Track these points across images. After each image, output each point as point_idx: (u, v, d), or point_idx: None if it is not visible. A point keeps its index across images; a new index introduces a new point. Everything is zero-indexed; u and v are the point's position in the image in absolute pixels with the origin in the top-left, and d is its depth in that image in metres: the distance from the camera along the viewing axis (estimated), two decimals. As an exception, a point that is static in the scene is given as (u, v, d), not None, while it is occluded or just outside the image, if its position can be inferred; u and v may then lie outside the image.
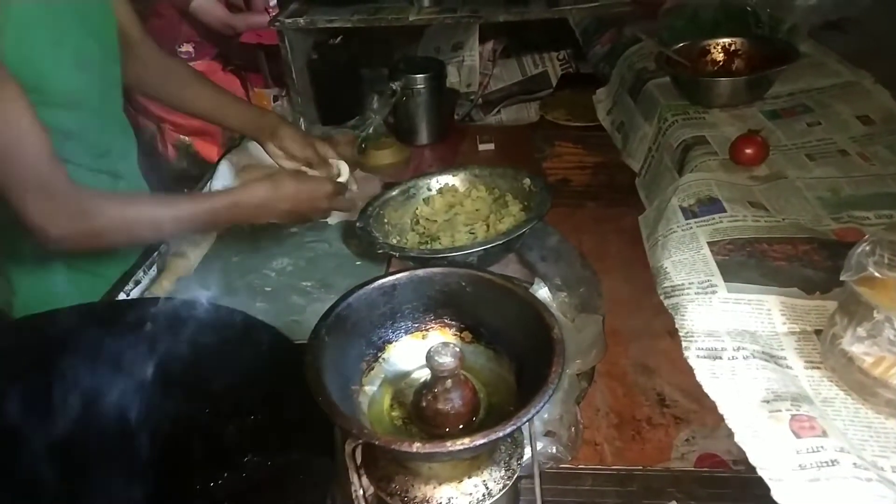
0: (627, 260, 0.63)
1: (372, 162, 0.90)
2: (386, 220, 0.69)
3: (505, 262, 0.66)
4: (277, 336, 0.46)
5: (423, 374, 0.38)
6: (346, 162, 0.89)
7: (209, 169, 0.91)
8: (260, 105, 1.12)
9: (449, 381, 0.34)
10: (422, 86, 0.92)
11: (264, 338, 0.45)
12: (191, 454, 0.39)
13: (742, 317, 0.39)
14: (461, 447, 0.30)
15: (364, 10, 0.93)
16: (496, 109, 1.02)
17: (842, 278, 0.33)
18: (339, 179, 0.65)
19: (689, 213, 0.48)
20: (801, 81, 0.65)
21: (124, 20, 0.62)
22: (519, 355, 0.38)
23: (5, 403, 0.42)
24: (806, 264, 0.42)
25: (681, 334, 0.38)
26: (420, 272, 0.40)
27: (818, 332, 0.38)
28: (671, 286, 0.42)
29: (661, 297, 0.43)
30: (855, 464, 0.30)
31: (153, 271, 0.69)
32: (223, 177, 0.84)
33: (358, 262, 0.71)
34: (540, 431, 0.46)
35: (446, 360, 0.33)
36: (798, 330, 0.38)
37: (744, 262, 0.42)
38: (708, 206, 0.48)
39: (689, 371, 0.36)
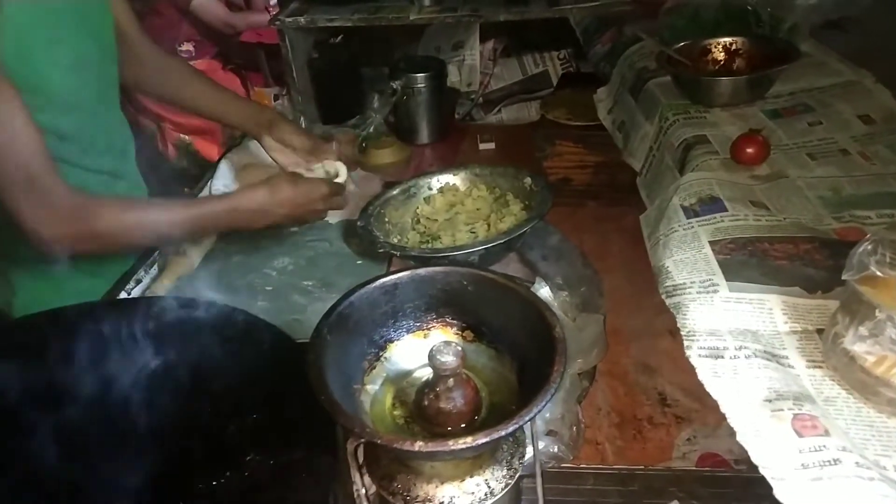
0: (628, 259, 0.63)
1: (372, 161, 0.90)
2: (387, 220, 0.69)
3: (506, 261, 0.66)
4: (279, 335, 0.46)
5: (425, 373, 0.38)
6: (347, 161, 0.89)
7: (209, 168, 0.91)
8: (260, 103, 1.11)
9: (451, 379, 0.34)
10: (422, 85, 0.91)
11: (266, 337, 0.45)
12: (192, 453, 0.39)
13: (744, 316, 0.39)
14: (463, 446, 0.30)
15: (365, 9, 0.93)
16: (497, 109, 1.02)
17: (843, 277, 0.33)
18: (337, 180, 0.65)
19: (690, 213, 0.48)
20: (802, 81, 0.65)
21: (122, 19, 0.62)
22: (521, 354, 0.38)
23: (6, 403, 0.42)
24: (807, 263, 0.42)
25: (682, 333, 0.38)
26: (422, 271, 0.40)
27: (820, 332, 0.38)
28: (673, 285, 0.42)
29: (663, 297, 0.43)
30: (857, 463, 0.30)
31: (154, 270, 0.69)
32: (223, 176, 0.84)
33: (359, 262, 0.71)
34: (542, 431, 0.46)
35: (448, 359, 0.33)
36: (800, 329, 0.38)
37: (745, 262, 0.42)
38: (709, 205, 0.48)
39: (691, 370, 0.36)
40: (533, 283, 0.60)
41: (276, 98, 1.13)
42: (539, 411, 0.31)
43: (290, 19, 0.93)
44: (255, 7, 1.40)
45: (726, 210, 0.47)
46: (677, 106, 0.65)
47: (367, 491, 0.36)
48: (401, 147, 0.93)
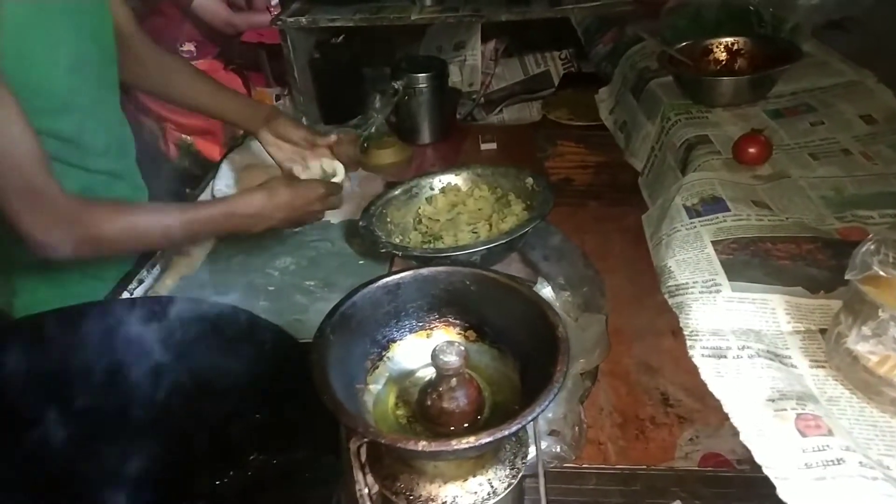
0: (630, 259, 0.63)
1: (374, 161, 0.90)
2: (389, 220, 0.69)
3: (508, 261, 0.66)
4: (282, 335, 0.46)
5: (428, 373, 0.38)
6: (349, 161, 0.89)
7: (211, 168, 0.91)
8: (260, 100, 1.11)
9: (454, 379, 0.34)
10: (424, 85, 0.91)
11: (268, 336, 0.45)
12: (196, 453, 0.39)
13: (746, 316, 0.39)
14: (466, 446, 0.30)
15: (366, 9, 0.93)
16: (498, 109, 1.02)
17: (846, 277, 0.33)
18: (335, 179, 0.65)
19: (692, 212, 0.48)
20: (804, 81, 0.65)
21: (119, 17, 0.62)
22: (523, 354, 0.38)
23: (10, 402, 0.42)
24: (810, 263, 0.42)
25: (685, 333, 0.38)
26: (424, 271, 0.40)
27: (823, 331, 0.37)
28: (675, 285, 0.42)
29: (665, 296, 0.43)
30: (861, 462, 0.30)
31: (157, 270, 0.69)
32: (225, 177, 0.84)
33: (361, 262, 0.71)
34: (544, 431, 0.46)
35: (451, 359, 0.33)
36: (803, 329, 0.38)
37: (748, 262, 0.42)
38: (711, 205, 0.48)
39: (693, 370, 0.36)
40: (535, 283, 0.60)
41: (277, 98, 1.13)
42: (542, 411, 0.31)
43: (291, 19, 0.93)
44: (257, 7, 1.40)
45: (728, 210, 0.47)
46: (679, 106, 0.65)
47: (369, 490, 0.36)
48: (402, 147, 0.93)
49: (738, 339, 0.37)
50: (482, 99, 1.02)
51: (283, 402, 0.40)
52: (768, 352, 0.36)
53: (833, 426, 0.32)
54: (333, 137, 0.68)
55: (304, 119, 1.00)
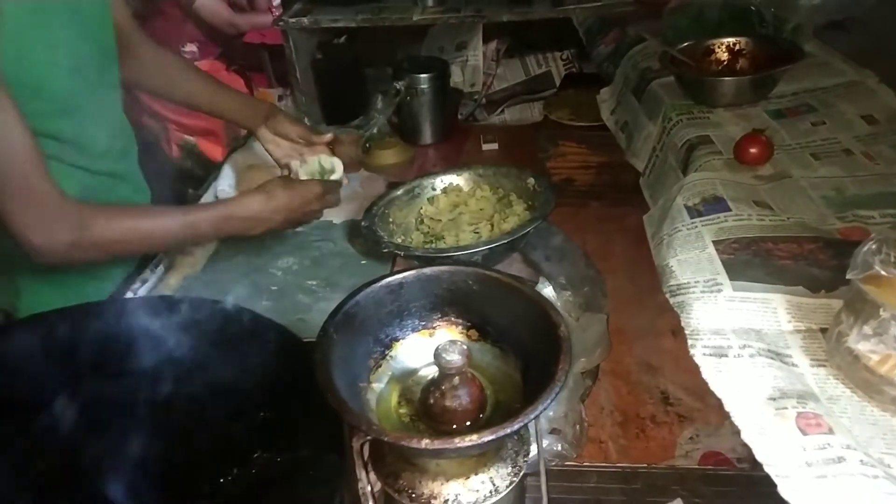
0: (631, 259, 0.63)
1: (376, 161, 0.91)
2: (391, 220, 0.70)
3: (509, 261, 0.66)
4: (285, 334, 0.46)
5: (431, 372, 0.38)
6: (350, 161, 0.89)
7: (214, 169, 0.91)
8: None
9: (456, 378, 0.34)
10: (425, 85, 0.92)
11: (272, 336, 0.46)
12: (200, 451, 0.40)
13: (748, 315, 0.39)
14: (469, 444, 0.30)
15: (368, 10, 0.93)
16: (500, 109, 1.02)
17: (848, 276, 0.34)
18: (334, 176, 0.65)
19: (694, 212, 0.49)
20: (806, 81, 0.65)
21: (118, 16, 0.61)
22: (525, 353, 0.38)
23: (14, 401, 0.42)
24: (811, 263, 0.42)
25: (686, 332, 0.38)
26: (427, 270, 0.40)
27: (823, 331, 0.38)
28: (677, 284, 0.43)
29: (667, 296, 0.43)
30: (861, 461, 0.30)
31: (160, 270, 0.69)
32: (228, 177, 0.84)
33: (363, 261, 0.71)
34: (545, 429, 0.47)
35: (454, 358, 0.33)
36: (804, 328, 0.38)
37: (749, 261, 0.43)
38: (713, 205, 0.48)
39: (693, 369, 0.36)
40: (536, 283, 0.61)
41: (279, 99, 1.14)
42: (544, 409, 0.32)
43: (293, 20, 0.94)
44: (259, 8, 1.40)
45: (730, 210, 0.48)
46: (681, 106, 0.65)
47: (372, 488, 0.36)
48: (404, 147, 0.93)
49: (739, 339, 0.37)
50: (484, 99, 1.02)
51: (287, 400, 0.41)
52: (769, 351, 0.36)
53: (834, 425, 0.32)
54: (329, 136, 0.68)
55: (306, 119, 1.01)
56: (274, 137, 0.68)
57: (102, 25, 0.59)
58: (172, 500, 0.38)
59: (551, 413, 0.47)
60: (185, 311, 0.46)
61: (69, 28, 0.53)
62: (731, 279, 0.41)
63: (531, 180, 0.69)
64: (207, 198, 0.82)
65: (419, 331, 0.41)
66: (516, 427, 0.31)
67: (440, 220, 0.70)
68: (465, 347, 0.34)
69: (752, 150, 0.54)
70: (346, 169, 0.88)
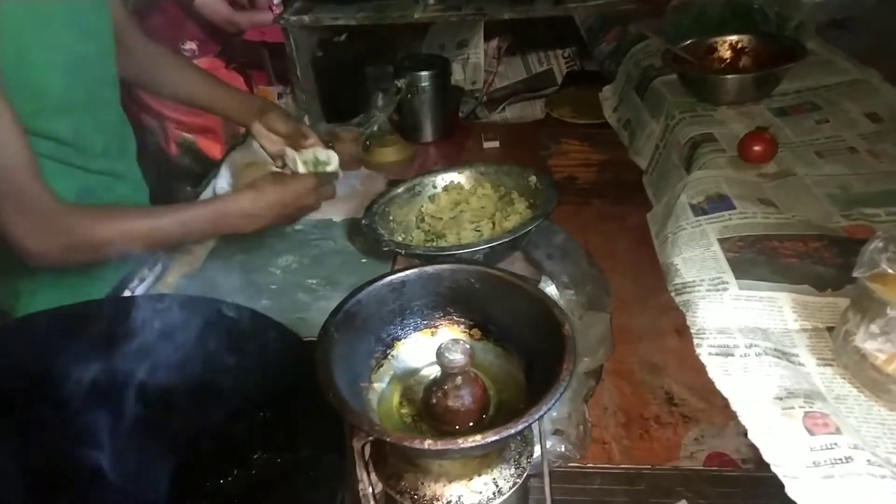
0: (634, 258, 0.63)
1: (377, 159, 0.90)
2: (391, 218, 0.69)
3: (511, 259, 0.66)
4: (286, 333, 0.45)
5: (433, 371, 0.38)
6: (351, 159, 0.88)
7: (212, 167, 0.91)
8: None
9: (459, 378, 0.34)
10: (426, 83, 0.91)
11: (272, 334, 0.45)
12: (200, 451, 0.39)
13: (754, 314, 0.38)
14: (473, 444, 0.30)
15: (369, 8, 0.93)
16: (501, 107, 1.02)
17: (854, 275, 0.33)
18: (329, 168, 0.64)
19: (698, 210, 0.48)
20: (809, 79, 0.65)
21: (115, 12, 0.61)
22: (529, 352, 0.37)
23: (11, 402, 0.42)
24: (817, 261, 0.42)
25: (692, 331, 0.38)
26: (429, 269, 0.40)
27: (830, 329, 0.37)
28: (682, 283, 0.42)
29: (672, 294, 0.43)
30: (869, 461, 0.30)
31: (158, 268, 0.69)
32: (227, 175, 0.84)
33: (363, 260, 0.71)
34: (548, 430, 0.46)
35: (457, 357, 0.33)
36: (810, 327, 0.38)
37: (755, 260, 0.42)
38: (717, 203, 0.48)
39: (698, 369, 0.36)
40: (538, 281, 0.60)
41: (279, 97, 1.13)
42: (549, 409, 0.31)
43: (294, 18, 0.93)
44: (259, 5, 1.39)
45: (734, 208, 0.47)
46: (683, 104, 0.64)
47: (373, 489, 0.35)
48: (405, 145, 0.92)
49: (745, 338, 0.37)
50: (485, 97, 1.02)
51: (287, 400, 0.40)
52: (776, 350, 0.36)
53: (841, 424, 0.31)
54: (313, 139, 0.67)
55: (306, 118, 1.00)
56: (268, 133, 0.67)
57: (101, 24, 0.58)
58: (172, 501, 0.38)
59: (555, 414, 0.47)
60: (183, 311, 0.45)
61: (68, 28, 0.53)
62: (736, 278, 0.41)
63: (533, 178, 0.69)
64: (206, 196, 0.82)
65: (421, 330, 0.40)
66: (520, 427, 0.30)
67: (441, 219, 0.70)
68: (467, 346, 0.33)
69: (756, 148, 0.53)
70: (347, 167, 0.87)
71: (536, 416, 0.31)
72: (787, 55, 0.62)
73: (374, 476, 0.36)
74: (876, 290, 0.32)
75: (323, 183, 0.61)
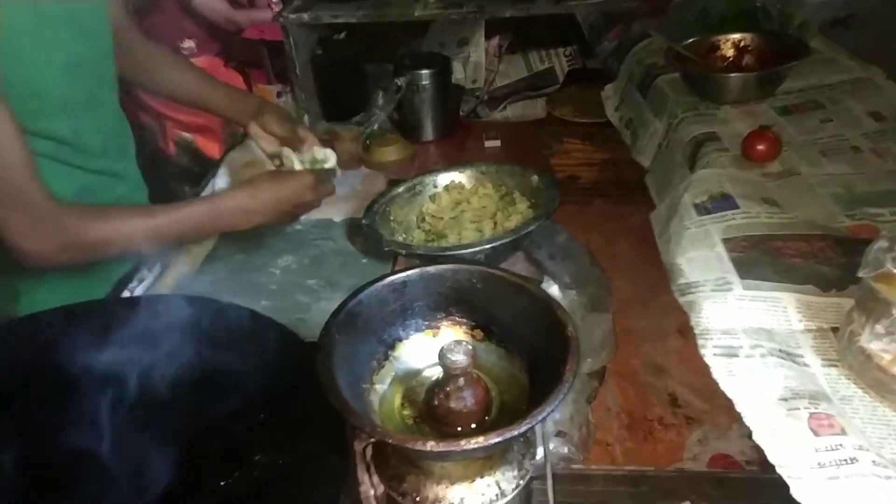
0: (636, 258, 0.62)
1: (377, 159, 0.90)
2: (392, 218, 0.69)
3: (513, 260, 0.66)
4: (286, 334, 0.45)
5: (435, 373, 0.37)
6: (351, 158, 0.88)
7: (211, 166, 0.91)
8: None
9: (461, 379, 0.34)
10: (427, 82, 0.91)
11: (273, 335, 0.45)
12: (202, 452, 0.39)
13: (758, 314, 0.38)
14: (476, 446, 0.30)
15: (369, 6, 0.92)
16: (502, 106, 1.01)
17: (859, 275, 0.33)
18: (327, 166, 0.64)
19: (702, 210, 0.48)
20: (812, 77, 0.65)
21: (112, 9, 0.60)
22: (531, 353, 0.37)
23: (12, 402, 0.42)
24: (821, 261, 0.42)
25: (696, 332, 0.38)
26: (431, 269, 0.39)
27: (835, 330, 0.37)
28: (686, 283, 0.42)
29: (676, 295, 0.42)
30: (874, 462, 0.29)
31: (157, 269, 0.69)
32: (226, 175, 0.83)
33: (364, 260, 0.70)
34: (551, 431, 0.46)
35: (459, 358, 0.33)
36: (814, 327, 0.38)
37: (758, 260, 0.42)
38: (721, 202, 0.48)
39: (701, 371, 0.36)
40: (541, 281, 0.60)
41: (279, 95, 1.13)
42: (552, 410, 0.31)
43: (293, 16, 0.93)
44: (258, 4, 1.39)
45: (738, 208, 0.47)
46: (686, 102, 0.64)
47: (375, 491, 0.35)
48: (405, 145, 0.92)
49: (749, 338, 0.36)
50: (486, 96, 1.01)
51: (288, 401, 0.40)
52: (780, 350, 0.36)
53: (846, 425, 0.31)
54: (310, 140, 0.67)
55: (305, 116, 1.00)
56: (265, 134, 0.67)
57: (100, 24, 0.58)
58: (173, 501, 0.37)
59: (557, 415, 0.46)
60: (183, 311, 0.45)
61: (66, 27, 0.53)
62: (740, 278, 0.41)
63: (535, 178, 0.68)
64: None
65: (423, 330, 0.40)
66: (523, 429, 0.30)
67: (442, 218, 0.69)
68: (470, 347, 0.33)
69: (760, 147, 0.53)
70: (347, 166, 0.87)
71: (539, 418, 0.30)
72: (791, 53, 0.62)
73: (375, 478, 0.35)
74: (881, 289, 0.32)
75: (321, 180, 0.61)
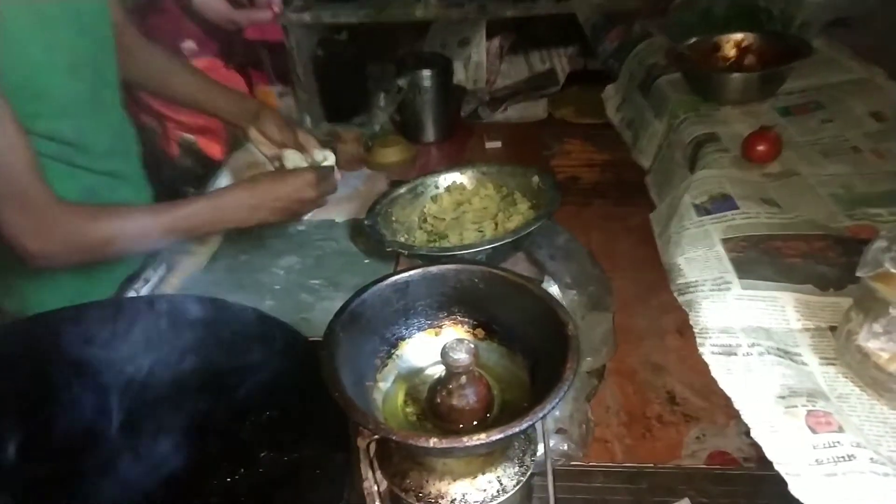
0: (636, 258, 0.63)
1: (378, 159, 0.90)
2: (394, 219, 0.69)
3: (514, 260, 0.66)
4: (291, 332, 0.46)
5: (437, 371, 0.38)
6: (353, 159, 0.88)
7: (213, 167, 0.91)
8: (265, 101, 1.11)
9: (463, 377, 0.34)
10: (428, 83, 0.91)
11: (278, 334, 0.45)
12: (207, 450, 0.40)
13: (756, 313, 0.39)
14: (478, 442, 0.30)
15: (370, 6, 0.93)
16: (503, 106, 1.01)
17: (858, 274, 0.33)
18: (325, 164, 0.64)
19: (702, 210, 0.48)
20: (814, 78, 0.65)
21: (112, 10, 0.60)
22: (532, 352, 0.38)
23: (20, 400, 0.42)
24: (820, 261, 0.42)
25: (695, 331, 0.38)
26: (433, 269, 0.40)
27: (833, 329, 0.37)
28: (685, 283, 0.42)
29: (675, 294, 0.43)
30: (872, 459, 0.30)
31: (162, 269, 0.69)
32: (228, 177, 0.84)
33: (366, 261, 0.71)
34: (551, 429, 0.46)
35: (461, 357, 0.33)
36: (812, 326, 0.38)
37: (758, 259, 0.42)
38: (721, 202, 0.48)
39: (699, 369, 0.36)
40: (541, 281, 0.60)
41: (280, 96, 1.13)
42: (553, 408, 0.31)
43: (294, 16, 0.93)
44: (259, 4, 1.39)
45: (738, 208, 0.47)
46: (687, 103, 0.64)
47: (378, 488, 0.36)
48: (407, 146, 0.92)
49: (748, 337, 0.37)
50: (487, 97, 1.01)
51: (293, 399, 0.41)
52: (778, 349, 0.36)
53: (844, 423, 0.32)
54: (310, 143, 0.67)
55: (307, 118, 1.00)
56: (264, 139, 0.67)
57: (101, 23, 0.58)
58: (179, 500, 0.38)
59: (558, 413, 0.47)
60: (188, 310, 0.45)
61: (68, 28, 0.53)
62: (739, 277, 0.41)
63: (535, 178, 0.69)
64: (209, 196, 0.82)
65: (425, 330, 0.40)
66: (525, 426, 0.30)
67: (444, 219, 0.70)
68: (472, 346, 0.34)
69: (760, 148, 0.53)
70: (349, 167, 0.87)
71: (540, 415, 0.31)
72: (792, 54, 0.62)
73: (379, 474, 0.36)
74: (879, 289, 0.32)
75: (322, 177, 0.61)
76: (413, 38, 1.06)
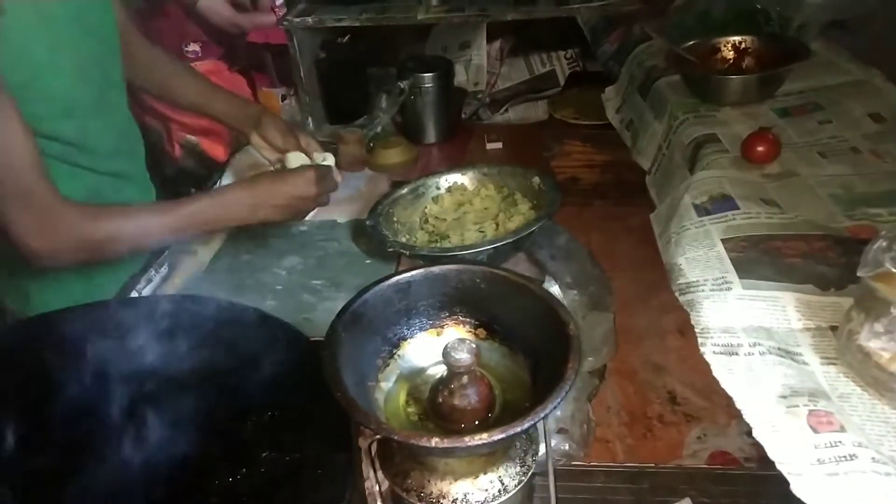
0: (636, 258, 0.63)
1: (380, 161, 0.91)
2: (395, 219, 0.70)
3: (514, 260, 0.66)
4: (293, 333, 0.46)
5: (439, 371, 0.38)
6: (354, 160, 0.89)
7: (216, 168, 0.92)
8: (268, 104, 1.12)
9: (465, 377, 0.34)
10: (429, 85, 0.92)
11: (280, 334, 0.45)
12: (209, 450, 0.40)
13: (757, 313, 0.39)
14: (480, 442, 0.30)
15: (372, 9, 0.93)
16: (504, 108, 1.02)
17: (858, 274, 0.34)
18: (324, 163, 0.65)
19: (702, 211, 0.49)
20: (812, 79, 0.65)
21: (116, 12, 0.61)
22: (534, 352, 0.38)
23: (21, 400, 0.42)
24: (820, 261, 0.42)
25: (696, 331, 0.38)
26: (435, 269, 0.40)
27: (833, 329, 0.38)
28: (686, 283, 0.43)
29: (676, 294, 0.43)
30: (873, 458, 0.30)
31: (164, 269, 0.70)
32: (231, 178, 0.84)
33: (368, 261, 0.71)
34: (552, 429, 0.46)
35: (463, 357, 0.33)
36: (813, 326, 0.38)
37: (758, 259, 0.42)
38: (721, 203, 0.48)
39: (700, 369, 0.36)
40: (542, 282, 0.60)
41: (283, 98, 1.14)
42: (555, 408, 0.31)
43: (297, 19, 0.94)
44: (262, 7, 1.40)
45: (738, 208, 0.48)
46: (687, 104, 0.65)
47: (380, 487, 0.36)
48: (408, 147, 0.93)
49: (749, 337, 0.37)
50: (488, 98, 1.02)
51: (295, 399, 0.41)
52: (779, 349, 0.36)
53: (845, 422, 0.32)
54: (314, 144, 0.68)
55: (309, 120, 1.01)
56: (266, 144, 0.68)
57: (106, 24, 0.58)
58: (180, 500, 0.38)
59: (559, 412, 0.47)
60: (190, 311, 0.46)
61: (73, 28, 0.53)
62: (740, 277, 0.41)
63: (536, 179, 0.69)
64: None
65: (427, 329, 0.41)
66: (526, 426, 0.31)
67: (445, 220, 0.70)
68: (473, 346, 0.34)
69: (760, 149, 0.54)
70: (351, 168, 0.88)
71: (542, 415, 0.31)
72: (790, 56, 0.62)
73: (380, 474, 0.36)
74: (879, 289, 0.33)
75: (322, 175, 0.61)
76: (415, 40, 1.07)
